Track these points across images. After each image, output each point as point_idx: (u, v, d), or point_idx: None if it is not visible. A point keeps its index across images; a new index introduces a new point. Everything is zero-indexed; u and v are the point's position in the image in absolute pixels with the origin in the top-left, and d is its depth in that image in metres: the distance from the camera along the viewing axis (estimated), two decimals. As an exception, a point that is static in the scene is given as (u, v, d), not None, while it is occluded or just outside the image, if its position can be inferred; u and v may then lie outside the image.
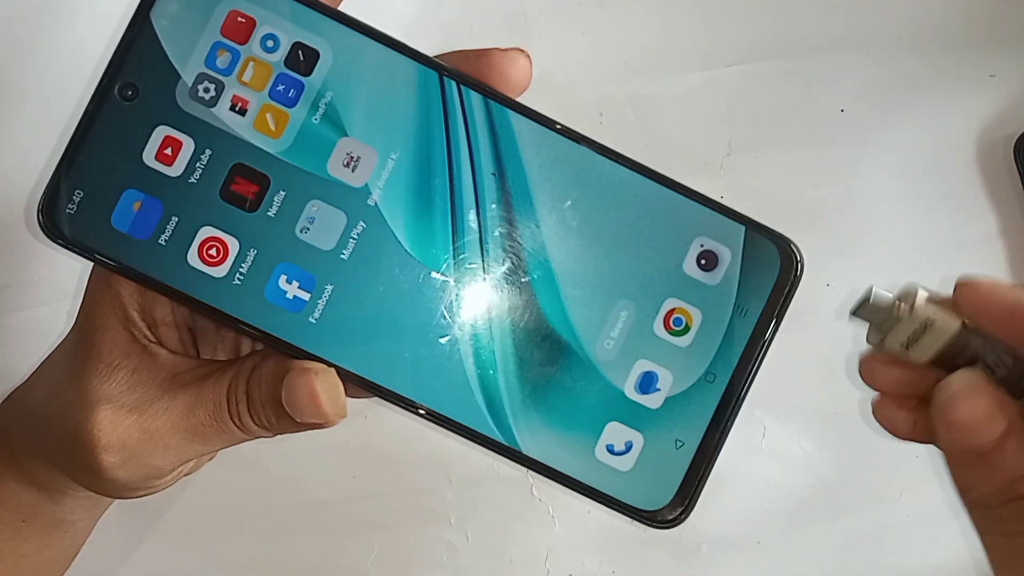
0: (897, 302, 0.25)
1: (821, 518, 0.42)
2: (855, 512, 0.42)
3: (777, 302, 0.26)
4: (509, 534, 0.41)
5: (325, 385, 0.25)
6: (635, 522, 0.26)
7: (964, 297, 0.24)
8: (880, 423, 0.26)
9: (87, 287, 0.28)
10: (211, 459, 0.33)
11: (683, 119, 0.42)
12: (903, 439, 0.26)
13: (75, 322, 0.29)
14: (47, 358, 0.31)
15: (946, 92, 0.42)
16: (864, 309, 0.25)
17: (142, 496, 0.30)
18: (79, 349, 0.28)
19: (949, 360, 0.24)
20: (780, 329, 0.43)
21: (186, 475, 0.32)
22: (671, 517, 0.26)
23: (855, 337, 0.26)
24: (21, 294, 0.42)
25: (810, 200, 0.42)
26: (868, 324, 0.25)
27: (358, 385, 0.26)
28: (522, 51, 0.27)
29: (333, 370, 0.26)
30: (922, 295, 0.25)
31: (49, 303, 0.42)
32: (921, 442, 0.26)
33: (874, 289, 0.25)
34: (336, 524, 0.41)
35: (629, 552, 0.42)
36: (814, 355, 0.42)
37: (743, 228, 0.26)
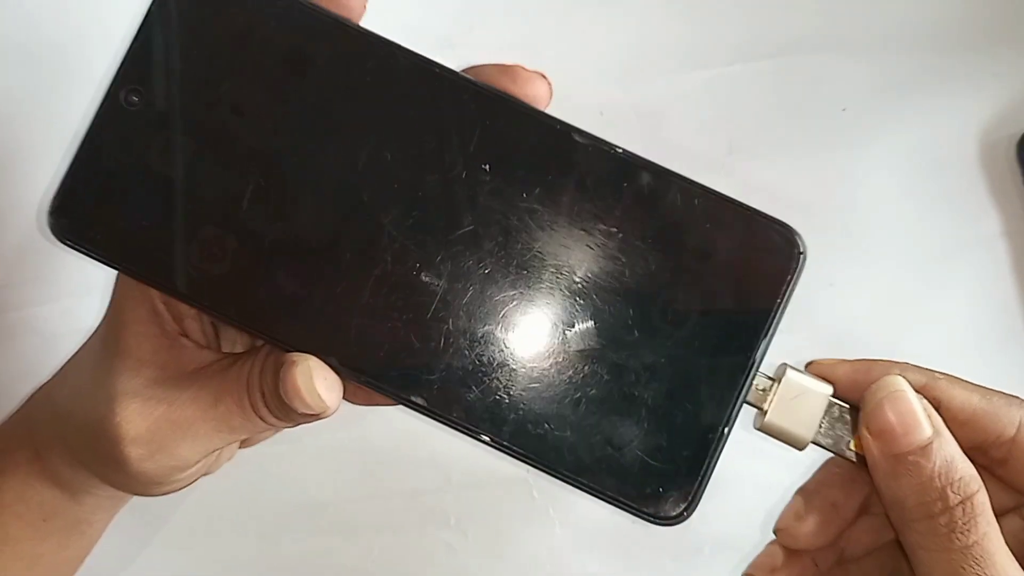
0: (772, 381, 0.26)
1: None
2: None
3: (777, 292, 0.26)
4: (510, 535, 0.41)
5: (304, 377, 0.25)
6: (639, 520, 0.26)
7: (812, 371, 0.26)
8: None
9: (115, 284, 0.29)
10: (230, 459, 0.33)
11: (684, 119, 0.42)
12: None
13: (104, 318, 0.29)
14: (73, 355, 0.31)
15: (949, 91, 0.42)
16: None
17: (162, 493, 0.30)
18: (108, 345, 0.29)
19: (835, 441, 0.26)
20: (782, 330, 0.43)
21: (205, 474, 0.32)
22: (675, 513, 0.26)
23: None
24: (19, 293, 0.42)
25: (812, 200, 0.42)
26: (755, 410, 0.26)
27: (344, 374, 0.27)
28: (544, 76, 0.27)
29: (313, 360, 0.26)
30: (792, 371, 0.27)
31: (47, 302, 0.42)
32: None
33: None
34: (336, 525, 0.41)
35: (630, 554, 0.42)
36: (817, 355, 0.41)
37: (747, 217, 0.26)
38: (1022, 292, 0.42)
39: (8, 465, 0.31)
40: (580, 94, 0.42)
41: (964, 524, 0.21)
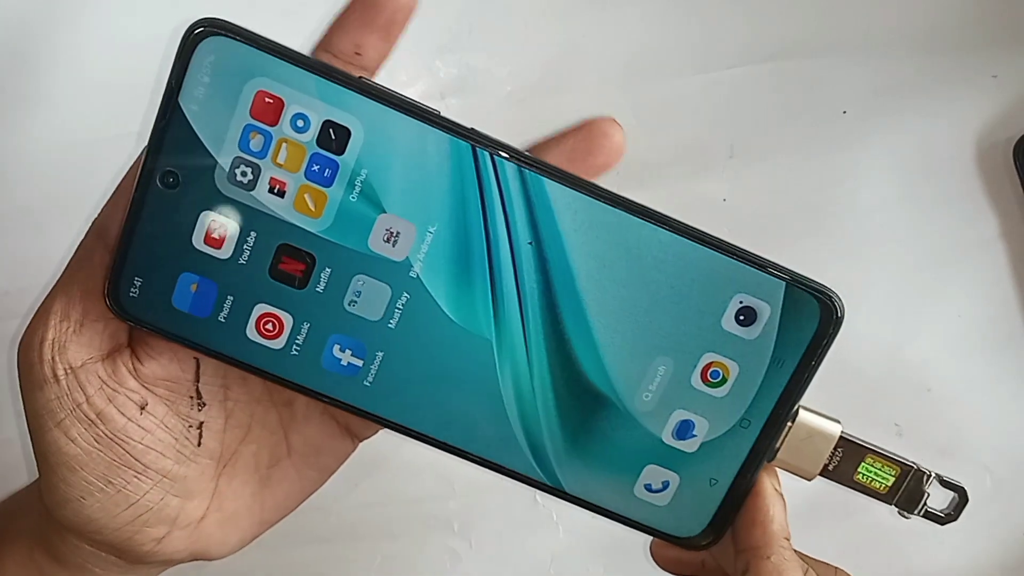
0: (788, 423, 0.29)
1: (824, 523, 0.41)
2: (859, 517, 0.42)
3: (814, 353, 0.27)
4: (513, 541, 0.41)
5: None
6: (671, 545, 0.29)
7: None
8: None
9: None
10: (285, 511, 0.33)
11: (685, 122, 0.42)
12: None
13: None
14: None
15: (948, 94, 0.42)
16: None
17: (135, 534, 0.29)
18: None
19: (840, 475, 0.30)
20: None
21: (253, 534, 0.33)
22: (704, 543, 0.29)
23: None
24: (20, 300, 0.42)
25: (812, 203, 0.42)
26: None
27: (413, 437, 0.28)
28: (615, 121, 0.27)
29: None
30: (804, 412, 0.28)
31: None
32: None
33: None
34: (340, 532, 0.41)
35: (633, 559, 0.42)
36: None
37: (783, 284, 0.26)
38: (1021, 293, 0.42)
39: (12, 539, 0.31)
40: (581, 98, 0.42)
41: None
